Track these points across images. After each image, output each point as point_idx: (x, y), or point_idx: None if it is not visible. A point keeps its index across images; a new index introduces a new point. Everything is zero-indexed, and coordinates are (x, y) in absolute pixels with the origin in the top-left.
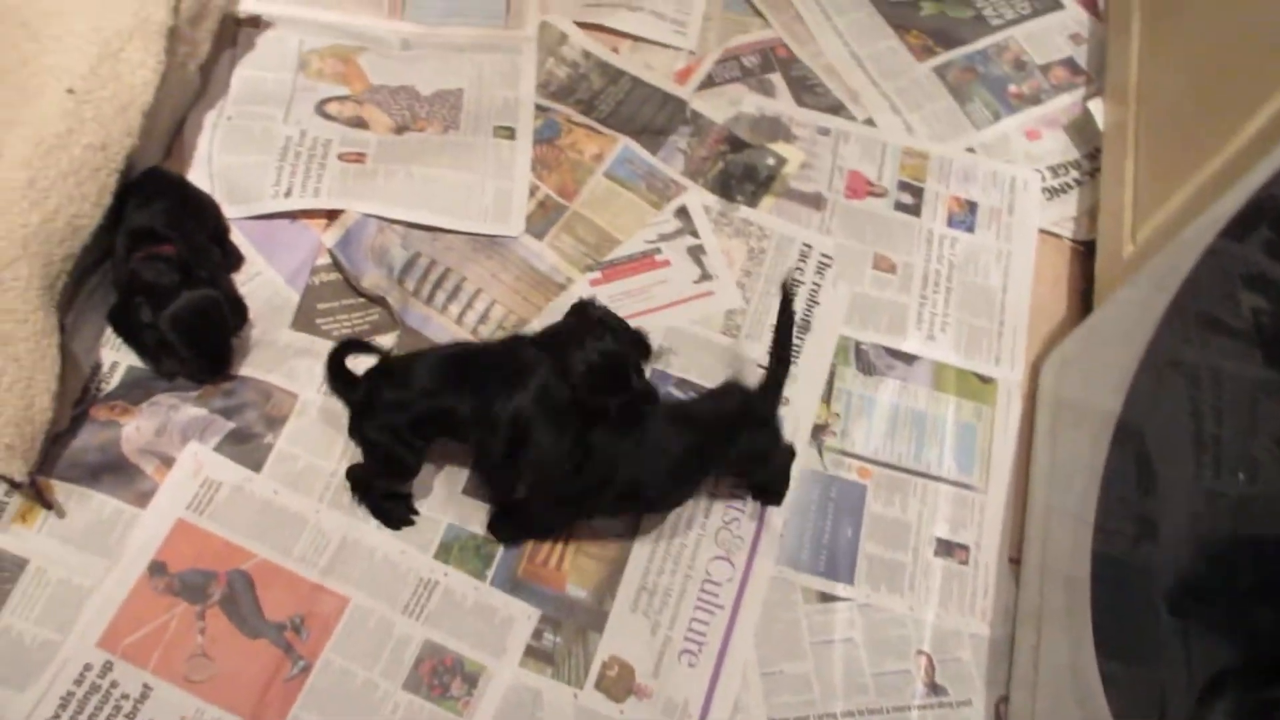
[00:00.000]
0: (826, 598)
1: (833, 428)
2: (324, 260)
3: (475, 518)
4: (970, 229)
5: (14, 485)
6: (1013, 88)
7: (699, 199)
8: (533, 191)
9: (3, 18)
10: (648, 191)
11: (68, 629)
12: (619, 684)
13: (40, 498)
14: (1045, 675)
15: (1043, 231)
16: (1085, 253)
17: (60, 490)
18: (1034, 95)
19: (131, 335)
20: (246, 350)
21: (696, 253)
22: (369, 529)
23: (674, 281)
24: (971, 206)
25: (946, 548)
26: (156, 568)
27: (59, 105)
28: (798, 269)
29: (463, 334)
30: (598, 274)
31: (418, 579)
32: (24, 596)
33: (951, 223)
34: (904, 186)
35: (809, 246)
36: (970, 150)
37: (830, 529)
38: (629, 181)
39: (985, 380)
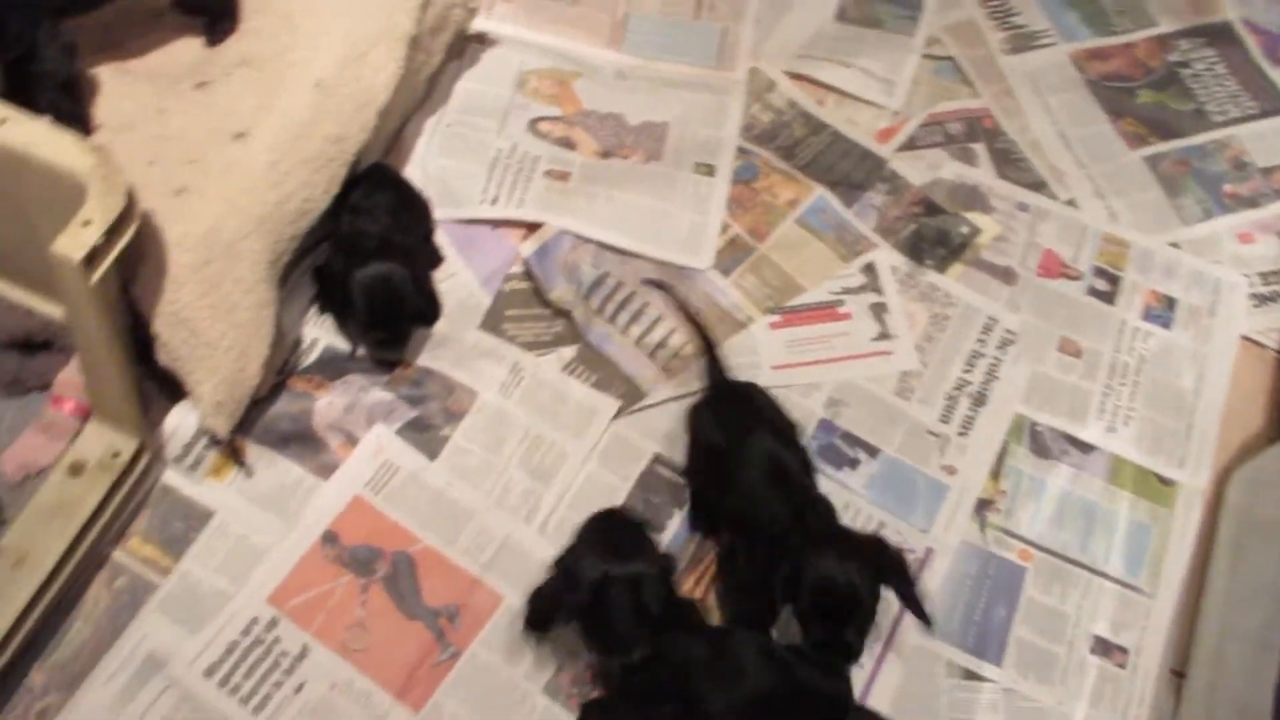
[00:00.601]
0: (970, 675)
1: (998, 504)
2: (518, 269)
3: None
4: (1166, 325)
5: (215, 441)
6: (1229, 187)
7: (888, 258)
8: (724, 229)
9: (269, 9)
10: (837, 243)
11: (241, 582)
12: None
13: (235, 455)
14: None
15: (1245, 338)
16: None
17: (252, 452)
18: (1252, 197)
19: (326, 289)
20: (436, 343)
21: (879, 310)
22: (530, 533)
23: (853, 335)
24: (1170, 302)
25: (1104, 647)
26: (329, 537)
27: (306, 97)
28: (980, 341)
29: (641, 356)
30: (778, 317)
31: None
32: (206, 546)
33: (1147, 316)
34: (1100, 273)
35: (994, 320)
36: (1175, 245)
37: (984, 607)
38: (820, 231)
39: (1166, 482)
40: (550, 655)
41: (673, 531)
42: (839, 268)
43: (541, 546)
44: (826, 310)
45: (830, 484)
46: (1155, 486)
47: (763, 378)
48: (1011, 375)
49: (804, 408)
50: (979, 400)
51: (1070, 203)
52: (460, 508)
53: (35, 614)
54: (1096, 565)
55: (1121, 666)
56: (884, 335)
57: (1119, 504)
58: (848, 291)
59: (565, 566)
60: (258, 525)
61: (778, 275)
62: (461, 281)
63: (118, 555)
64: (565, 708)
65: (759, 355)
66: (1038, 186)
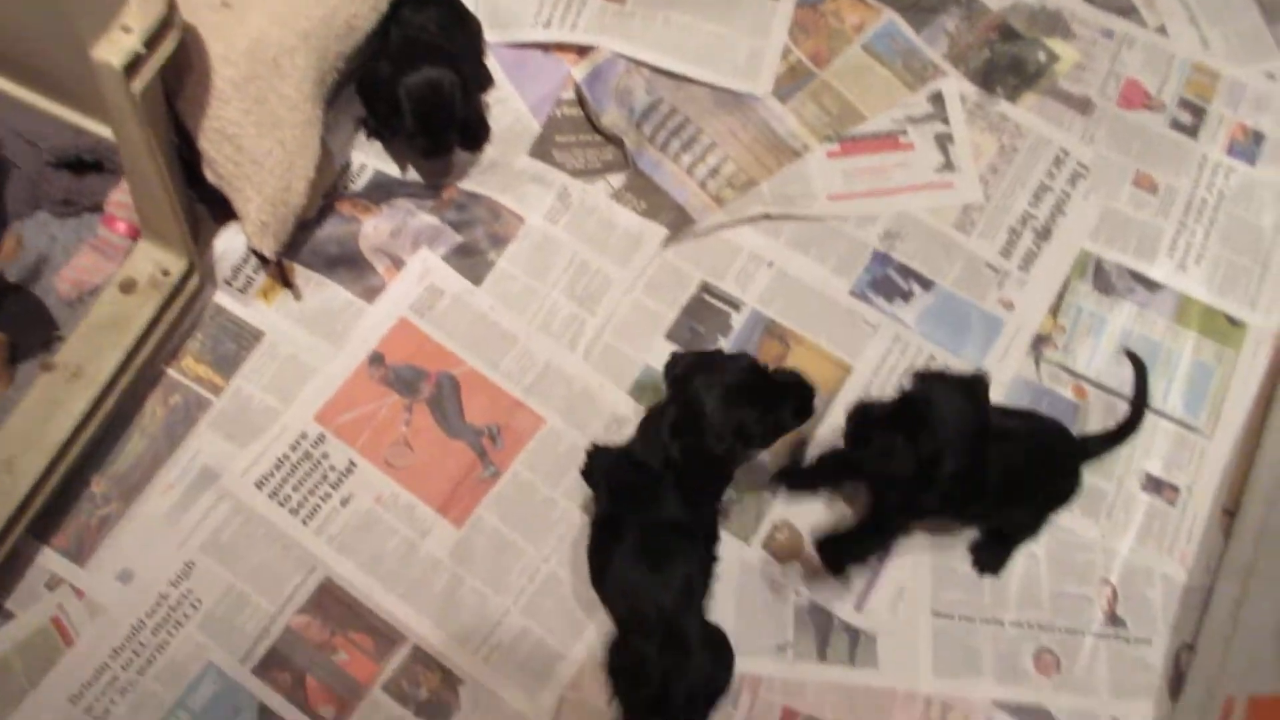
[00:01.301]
0: None
1: (1055, 340)
2: (569, 94)
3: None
4: (1251, 161)
5: (263, 261)
6: None
7: (957, 86)
8: (785, 54)
9: None
10: (904, 70)
11: (290, 400)
12: (786, 548)
13: (283, 277)
14: (1245, 631)
15: None
16: None
17: (300, 274)
18: None
19: (370, 97)
20: (484, 169)
21: (944, 141)
22: (574, 358)
23: (914, 166)
24: (1258, 137)
25: (1155, 485)
26: (376, 358)
27: None
28: (1048, 174)
29: (691, 185)
30: (836, 146)
31: (610, 413)
32: (256, 365)
33: (1232, 151)
34: (1185, 104)
35: (1065, 152)
36: (1270, 76)
37: None
38: (886, 58)
39: (1235, 323)
40: None
41: None
42: (904, 96)
43: (585, 371)
44: (888, 140)
45: (882, 316)
46: (1223, 327)
47: (817, 207)
48: (1081, 210)
49: (858, 239)
50: (1044, 235)
51: (1160, 30)
52: (503, 331)
53: (93, 425)
54: (1154, 404)
55: (1172, 504)
56: (947, 166)
57: (1183, 344)
58: (912, 121)
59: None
60: (305, 346)
61: (838, 103)
62: (511, 106)
63: (172, 373)
64: None
65: (813, 185)
66: (1126, 12)
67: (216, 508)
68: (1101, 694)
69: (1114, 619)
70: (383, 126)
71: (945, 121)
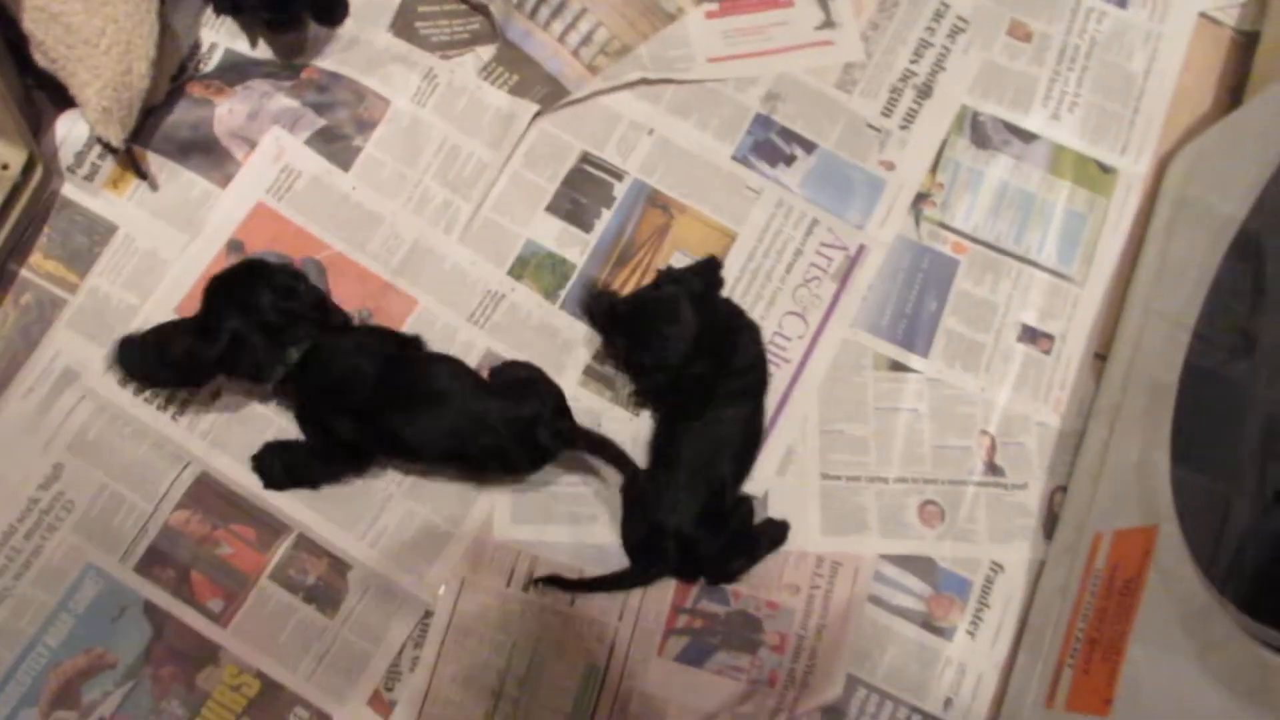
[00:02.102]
0: (897, 367)
1: (934, 198)
2: None
3: (552, 234)
4: (1122, 4)
5: (110, 150)
6: None
7: None
8: None
9: None
10: None
11: (148, 295)
12: None
13: (134, 166)
14: (1111, 469)
15: (1202, 15)
16: (1246, 43)
17: (152, 163)
18: None
19: None
20: (343, 46)
21: None
22: (443, 237)
23: (794, 24)
24: None
25: (1031, 335)
26: (234, 245)
27: None
28: (927, 29)
29: (564, 54)
30: (715, 5)
31: (485, 290)
32: (111, 261)
33: None
34: None
35: (945, 5)
36: None
37: (915, 300)
38: None
39: (1106, 169)
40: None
41: (600, 231)
42: None
43: (455, 249)
44: None
45: (765, 181)
46: (1095, 174)
47: (696, 71)
48: (960, 65)
49: (739, 102)
50: (924, 92)
51: None
52: (368, 211)
53: None
54: (1029, 255)
55: (1047, 353)
56: (827, 24)
57: (1057, 194)
58: None
59: None
60: (164, 239)
61: None
62: None
63: (22, 272)
64: None
65: (692, 48)
66: None
67: (79, 407)
68: (982, 540)
69: (993, 468)
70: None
71: None
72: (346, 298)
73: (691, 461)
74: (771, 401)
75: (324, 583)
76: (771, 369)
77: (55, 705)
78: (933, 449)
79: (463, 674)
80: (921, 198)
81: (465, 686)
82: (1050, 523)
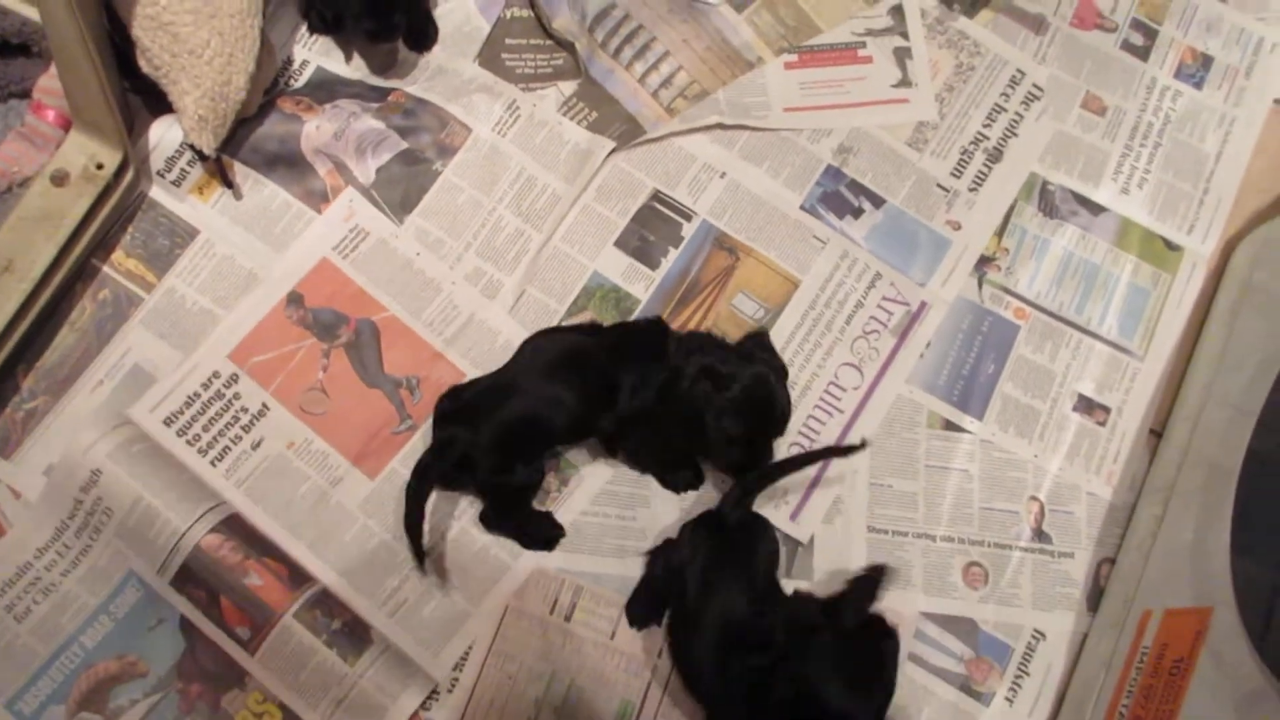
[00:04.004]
0: (950, 426)
1: (999, 262)
2: None
3: (619, 269)
4: (1199, 85)
5: (201, 157)
6: None
7: (917, 0)
8: None
9: None
10: None
11: (226, 304)
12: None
13: (222, 174)
14: (1163, 548)
15: (1276, 102)
16: None
17: (238, 172)
18: None
19: None
20: (431, 73)
21: (902, 55)
22: (497, 312)
23: (872, 80)
24: (1206, 61)
25: (1087, 405)
26: (295, 298)
27: None
28: (1002, 95)
29: (643, 94)
30: (794, 57)
31: None
32: (190, 264)
33: (1180, 74)
34: (1137, 25)
35: (1021, 73)
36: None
37: (973, 362)
38: None
39: (1172, 247)
40: None
41: (666, 268)
42: (859, 8)
43: (509, 325)
44: (847, 52)
45: (831, 231)
46: (1161, 251)
47: (772, 119)
48: (1033, 132)
49: (811, 153)
50: (995, 156)
51: None
52: (427, 279)
53: (26, 322)
54: (1090, 326)
55: (1102, 424)
56: (904, 82)
57: (1122, 267)
58: (871, 34)
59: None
60: (243, 247)
61: (794, 14)
62: (459, 5)
63: (103, 268)
64: None
65: (769, 97)
66: None
67: (127, 426)
68: (1025, 605)
69: (1040, 534)
70: (327, 14)
71: (904, 36)
72: (398, 362)
73: None
74: (821, 445)
75: (348, 630)
76: (824, 418)
77: (83, 706)
78: (981, 511)
79: (500, 699)
80: (986, 261)
81: (503, 712)
82: (1095, 594)
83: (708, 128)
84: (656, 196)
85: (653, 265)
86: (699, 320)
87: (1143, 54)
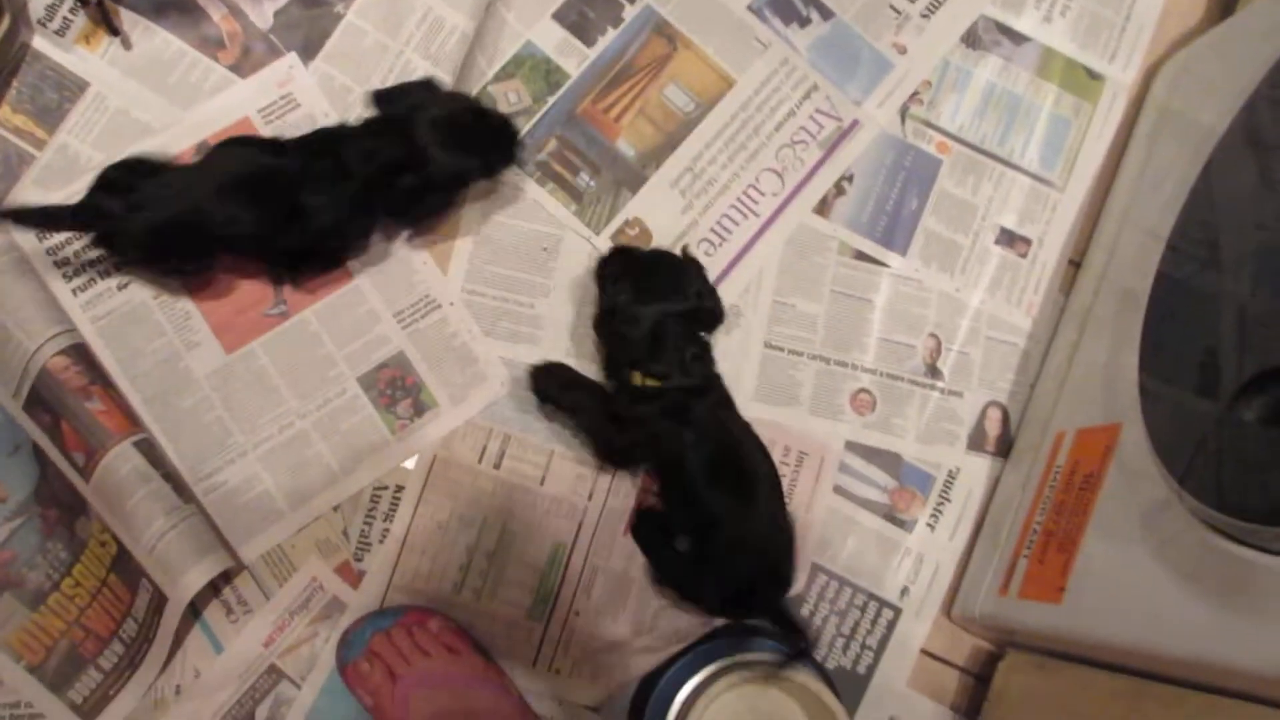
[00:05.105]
0: (862, 257)
1: (922, 95)
2: None
3: (554, 41)
4: None
5: (82, 3)
6: None
7: None
8: None
9: None
10: None
11: (115, 156)
12: (634, 244)
13: (106, 21)
14: (1077, 372)
15: None
16: None
17: (126, 20)
18: None
19: None
20: None
21: None
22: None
23: None
24: None
25: (1009, 238)
26: (203, 148)
27: None
28: None
29: None
30: None
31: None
32: (82, 118)
33: None
34: None
35: None
36: None
37: (896, 198)
38: None
39: (1094, 76)
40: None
41: (601, 47)
42: None
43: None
44: None
45: (775, 36)
46: (1082, 80)
47: None
48: None
49: None
50: None
51: None
52: None
53: None
54: (1012, 159)
55: (1023, 256)
56: None
57: (1044, 98)
58: None
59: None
60: (136, 99)
61: None
62: None
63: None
64: (375, 404)
65: None
66: None
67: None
68: (907, 437)
69: (933, 370)
70: None
71: None
72: None
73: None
74: (730, 250)
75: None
76: (739, 219)
77: None
78: (879, 340)
79: (432, 547)
80: (909, 95)
81: (434, 559)
82: (979, 436)
83: None
84: None
85: (588, 42)
86: (627, 104)
87: None
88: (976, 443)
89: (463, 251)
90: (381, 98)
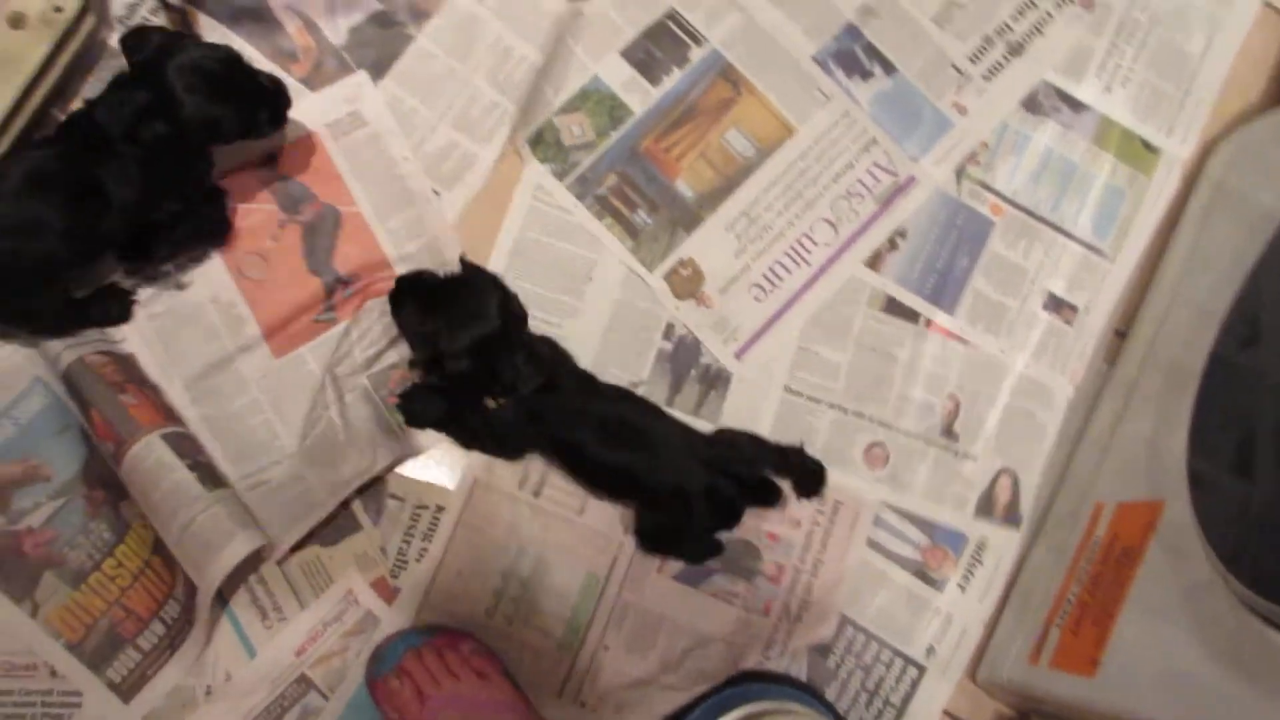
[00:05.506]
0: (892, 309)
1: (979, 157)
2: None
3: (620, 78)
4: None
5: (165, 5)
6: None
7: None
8: None
9: None
10: None
11: None
12: (686, 284)
13: (186, 24)
14: (1120, 443)
15: (1266, 4)
16: None
17: (203, 24)
18: None
19: None
20: None
21: None
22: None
23: None
24: None
25: (1056, 304)
26: (269, 159)
27: None
28: None
29: None
30: None
31: None
32: None
33: None
34: None
35: None
36: None
37: (947, 256)
38: None
39: (1151, 148)
40: None
41: (666, 88)
42: None
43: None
44: None
45: (837, 88)
46: (1139, 152)
47: None
48: (1060, 35)
49: (835, 7)
50: (1016, 50)
51: None
52: (406, 189)
53: None
54: (1064, 225)
55: (1069, 323)
56: None
57: (1100, 167)
58: None
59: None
60: None
61: None
62: None
63: (61, 119)
64: (384, 402)
65: None
66: None
67: None
68: (915, 494)
69: (949, 432)
70: None
71: None
72: (348, 258)
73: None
74: (779, 298)
75: (211, 462)
76: (791, 267)
77: None
78: (898, 396)
79: (468, 569)
80: (966, 155)
81: (469, 581)
82: (988, 502)
83: None
84: (672, 15)
85: (654, 81)
86: (689, 145)
87: None
88: (985, 508)
89: (497, 263)
90: (130, 42)
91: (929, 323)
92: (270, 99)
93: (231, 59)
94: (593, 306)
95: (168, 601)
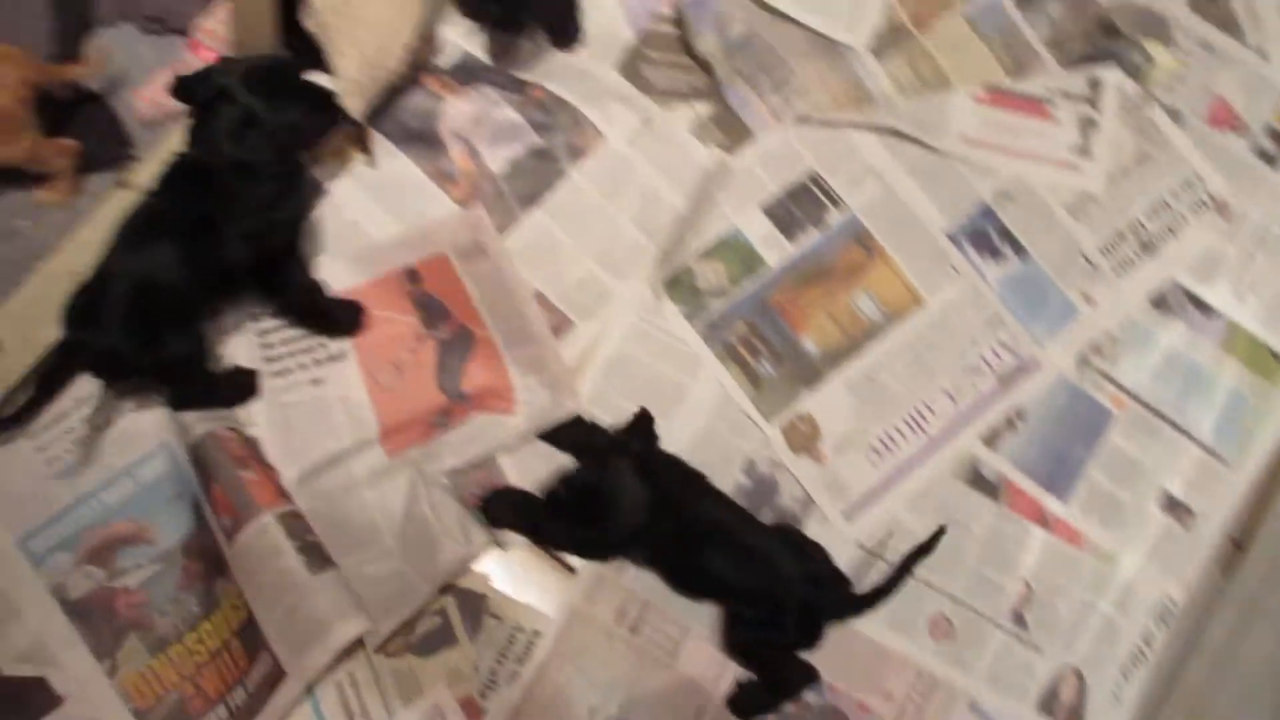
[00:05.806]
0: (976, 484)
1: (1104, 348)
2: (668, 10)
3: (760, 232)
4: None
5: (347, 122)
6: None
7: (1117, 78)
8: (887, 9)
9: None
10: (1001, 49)
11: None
12: (801, 439)
13: (362, 141)
14: (1241, 661)
15: None
16: None
17: (376, 140)
18: None
19: None
20: (574, 75)
21: (1087, 125)
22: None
23: (1051, 139)
24: None
25: (1172, 505)
26: (413, 275)
27: None
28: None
29: (776, 125)
30: (983, 92)
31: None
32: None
33: None
34: (1271, 132)
35: (1200, 178)
36: None
37: (1063, 443)
38: (986, 33)
39: (1279, 359)
40: None
41: (803, 246)
42: (998, 76)
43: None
44: (1035, 105)
45: (968, 265)
46: (1266, 361)
47: (946, 143)
48: (1194, 238)
49: (972, 187)
50: (1149, 249)
51: (1259, 51)
52: (528, 322)
53: None
54: (1186, 426)
55: (1185, 527)
56: (1082, 151)
57: (1224, 372)
58: (1064, 96)
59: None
60: (367, 214)
61: (932, 70)
62: (608, 10)
63: None
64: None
65: (948, 120)
66: (1229, 27)
67: None
68: (974, 676)
69: (1018, 617)
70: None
71: (1095, 107)
72: (474, 378)
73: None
74: (893, 464)
75: (318, 548)
76: (909, 434)
77: (89, 559)
78: (972, 571)
79: (557, 700)
80: (1091, 345)
81: (556, 712)
82: (1050, 699)
83: (883, 129)
84: (814, 178)
85: (790, 237)
86: (818, 303)
87: (1271, 161)
88: (1047, 705)
89: (593, 375)
90: (184, 88)
91: (1012, 502)
92: (317, 94)
93: (279, 63)
94: (679, 430)
95: (236, 687)
